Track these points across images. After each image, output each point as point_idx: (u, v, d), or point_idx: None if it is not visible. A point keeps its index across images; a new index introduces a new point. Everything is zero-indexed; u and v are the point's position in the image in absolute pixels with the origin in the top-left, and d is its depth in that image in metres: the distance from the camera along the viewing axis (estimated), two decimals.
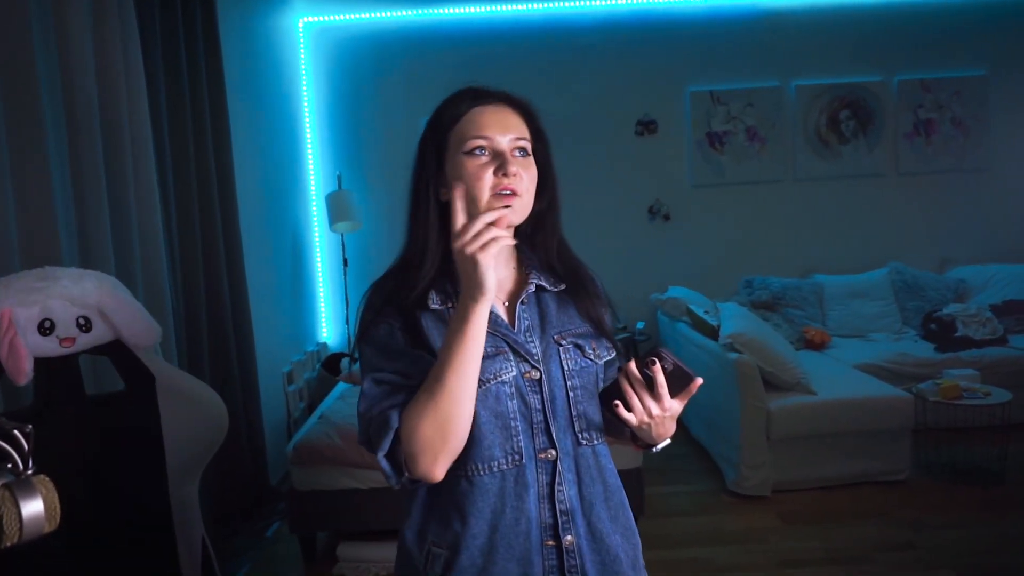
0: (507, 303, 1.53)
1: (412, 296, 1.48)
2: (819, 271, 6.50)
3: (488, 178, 1.42)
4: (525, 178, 1.44)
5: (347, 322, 6.43)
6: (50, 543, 1.24)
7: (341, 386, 4.99)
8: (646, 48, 6.42)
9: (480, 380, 1.39)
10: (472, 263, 1.29)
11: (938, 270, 6.55)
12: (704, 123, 6.50)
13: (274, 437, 4.97)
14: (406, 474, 1.39)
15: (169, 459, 2.35)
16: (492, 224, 1.32)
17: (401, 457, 1.37)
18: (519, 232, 1.54)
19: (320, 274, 6.53)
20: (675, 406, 1.40)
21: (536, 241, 1.58)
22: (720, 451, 4.78)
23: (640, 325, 6.19)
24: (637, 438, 1.51)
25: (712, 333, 4.92)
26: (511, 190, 1.42)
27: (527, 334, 1.50)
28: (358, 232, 6.36)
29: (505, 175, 1.41)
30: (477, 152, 1.43)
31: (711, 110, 6.48)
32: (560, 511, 1.45)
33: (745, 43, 6.44)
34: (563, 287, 1.56)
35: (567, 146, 6.17)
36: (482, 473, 1.42)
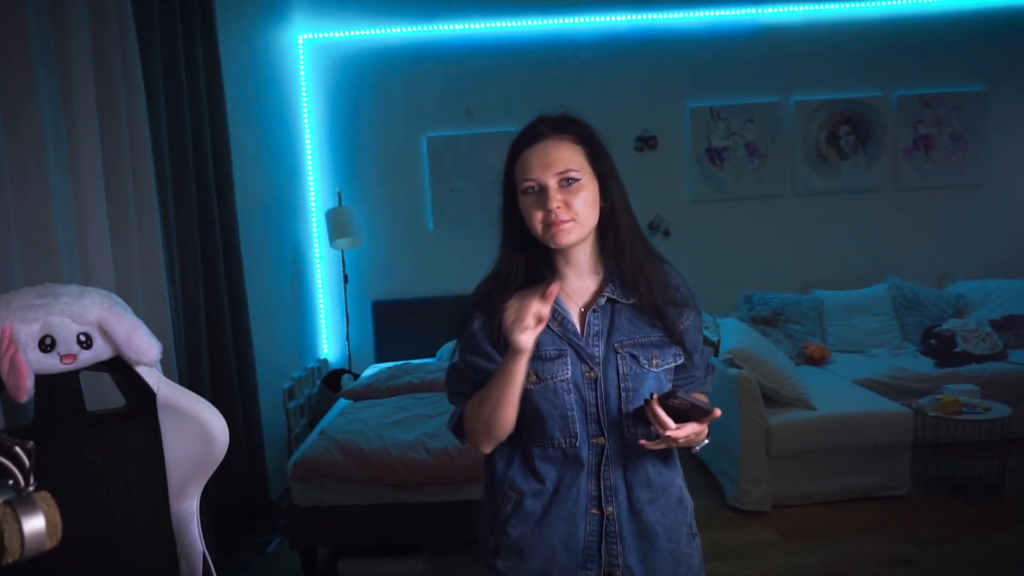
0: (582, 309, 1.79)
1: (502, 298, 1.71)
2: (819, 286, 6.50)
3: (538, 212, 1.70)
4: (575, 203, 1.69)
5: (347, 338, 6.44)
6: (50, 560, 1.24)
7: (342, 402, 4.99)
8: (645, 64, 6.45)
9: (541, 378, 1.74)
10: (508, 334, 1.58)
11: (937, 285, 6.54)
12: (704, 139, 6.52)
13: (275, 453, 4.97)
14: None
15: (170, 475, 2.35)
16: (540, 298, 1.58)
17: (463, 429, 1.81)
18: (601, 240, 1.81)
19: (320, 290, 6.54)
20: (691, 430, 1.63)
21: (609, 242, 1.80)
22: (720, 466, 4.77)
23: None
24: None
25: (712, 349, 4.92)
26: (557, 220, 1.68)
27: (594, 339, 1.76)
28: (358, 248, 6.38)
29: (549, 210, 1.68)
30: (529, 191, 1.72)
31: (711, 126, 6.50)
32: (605, 487, 1.76)
33: (745, 59, 6.46)
34: (635, 300, 1.78)
35: None
36: (546, 447, 1.77)
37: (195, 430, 2.43)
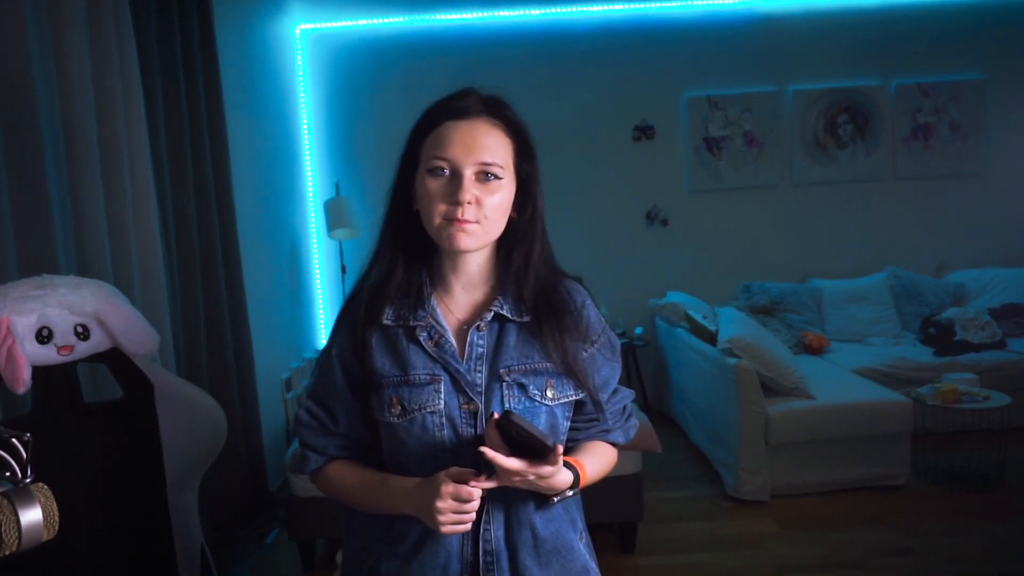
0: (464, 326, 1.46)
1: (368, 312, 1.48)
2: (817, 276, 6.50)
3: (441, 203, 1.38)
4: (487, 204, 1.38)
5: None
6: (49, 551, 1.23)
7: None
8: (643, 53, 6.43)
9: (407, 409, 1.40)
10: (434, 526, 1.31)
11: (936, 274, 6.54)
12: (702, 128, 6.50)
13: (273, 444, 4.97)
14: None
15: (168, 466, 2.35)
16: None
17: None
18: (499, 250, 1.50)
19: (318, 281, 6.53)
20: (521, 466, 1.29)
21: (516, 256, 1.48)
22: (719, 456, 4.77)
23: (638, 331, 6.18)
24: None
25: (711, 338, 4.92)
26: (462, 218, 1.36)
27: (476, 362, 1.42)
28: (356, 239, 6.36)
29: (457, 203, 1.36)
30: (438, 172, 1.39)
31: (708, 115, 6.49)
32: (484, 551, 1.41)
33: (742, 48, 6.44)
34: (528, 319, 1.46)
35: (564, 152, 6.18)
36: None
37: (193, 421, 2.43)
